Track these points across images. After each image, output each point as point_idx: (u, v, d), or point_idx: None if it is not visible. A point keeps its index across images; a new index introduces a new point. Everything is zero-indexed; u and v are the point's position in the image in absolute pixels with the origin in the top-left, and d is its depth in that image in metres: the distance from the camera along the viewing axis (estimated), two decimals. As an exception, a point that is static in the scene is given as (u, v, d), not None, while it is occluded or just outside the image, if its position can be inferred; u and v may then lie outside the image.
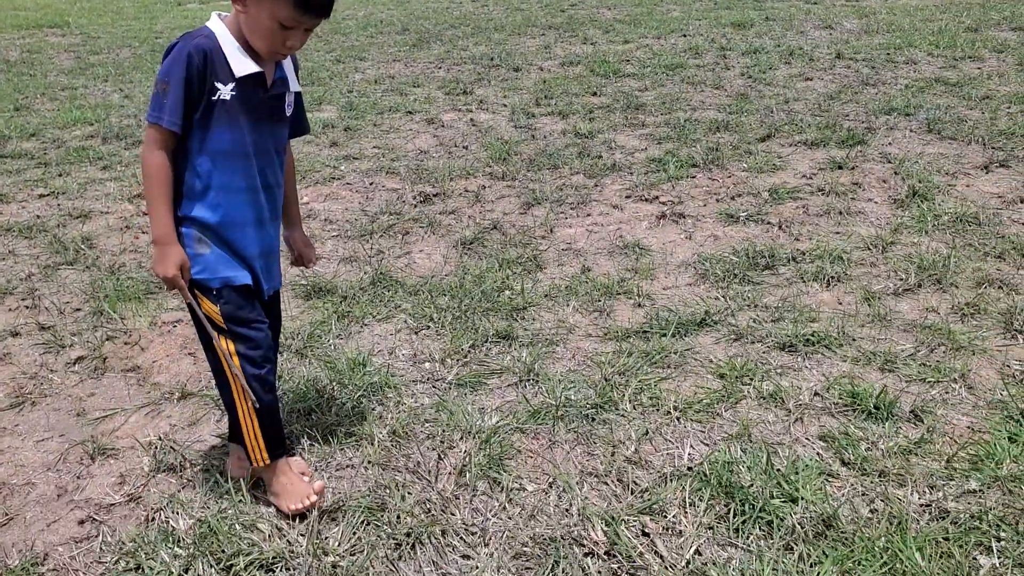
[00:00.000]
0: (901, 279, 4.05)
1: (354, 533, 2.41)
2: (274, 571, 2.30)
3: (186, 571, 2.29)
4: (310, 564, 2.28)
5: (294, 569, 2.28)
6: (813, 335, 3.48)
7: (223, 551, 2.33)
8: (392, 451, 2.79)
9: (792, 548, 2.27)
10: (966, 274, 4.08)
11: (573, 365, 3.35)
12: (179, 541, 2.39)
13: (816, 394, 3.06)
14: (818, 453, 2.71)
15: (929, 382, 3.14)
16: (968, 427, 2.84)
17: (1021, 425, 2.81)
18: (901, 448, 2.69)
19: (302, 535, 2.39)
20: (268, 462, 2.43)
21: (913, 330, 3.57)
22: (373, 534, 2.41)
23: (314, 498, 2.43)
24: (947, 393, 3.05)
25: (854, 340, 3.49)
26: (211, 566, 2.30)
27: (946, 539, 2.26)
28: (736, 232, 4.74)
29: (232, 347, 2.30)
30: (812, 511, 2.39)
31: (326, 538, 2.39)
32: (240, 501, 2.53)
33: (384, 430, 2.90)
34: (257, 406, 2.33)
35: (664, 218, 4.92)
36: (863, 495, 2.50)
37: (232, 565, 2.29)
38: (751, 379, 3.18)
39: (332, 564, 2.29)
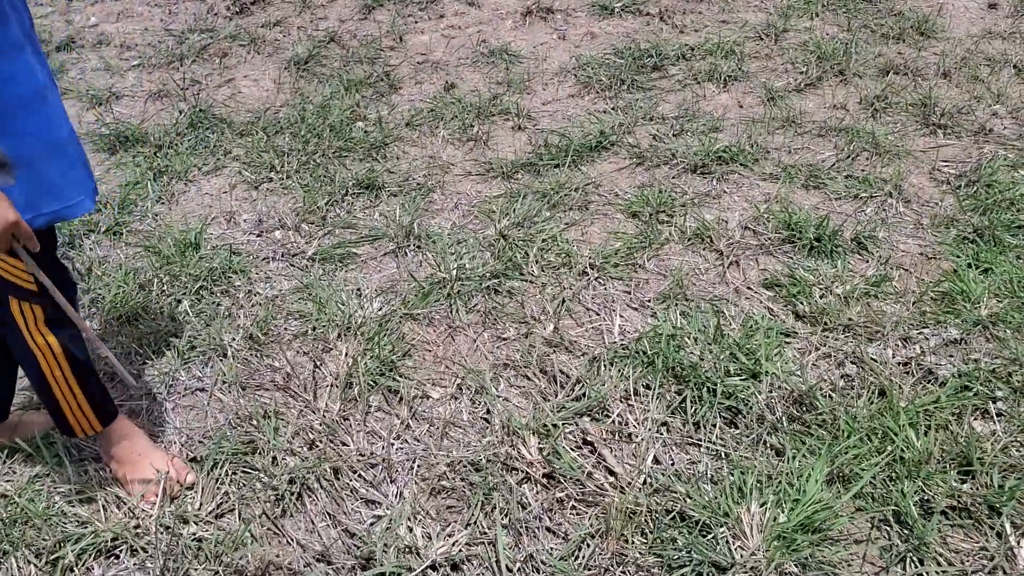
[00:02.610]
0: (801, 72, 3.64)
1: (219, 489, 1.84)
2: (118, 556, 1.73)
3: (-8, 575, 1.69)
4: (166, 542, 1.71)
5: (143, 551, 1.71)
6: (725, 151, 3.03)
7: (42, 539, 1.72)
8: (252, 363, 2.19)
9: (766, 441, 1.88)
10: (868, 62, 3.68)
11: (457, 218, 2.77)
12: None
13: (746, 228, 2.64)
14: (768, 308, 2.31)
15: (861, 198, 2.77)
16: (921, 254, 2.51)
17: (979, 246, 2.48)
18: (860, 292, 2.32)
19: (150, 503, 1.80)
20: (101, 428, 1.79)
21: (827, 134, 3.18)
22: (245, 487, 1.85)
23: (177, 481, 1.84)
24: (884, 211, 2.70)
25: (768, 152, 3.06)
26: (28, 562, 1.70)
27: (937, 407, 1.93)
28: (613, 27, 4.13)
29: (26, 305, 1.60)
30: (781, 389, 2.00)
31: (183, 502, 1.81)
32: (58, 464, 1.89)
33: (238, 335, 2.27)
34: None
35: (531, 15, 4.23)
36: (830, 357, 2.13)
37: (58, 557, 1.70)
38: (669, 216, 2.71)
39: (195, 536, 1.74)
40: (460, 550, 1.70)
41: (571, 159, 3.03)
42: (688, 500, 1.76)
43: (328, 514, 1.80)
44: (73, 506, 1.80)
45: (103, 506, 1.80)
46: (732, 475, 1.80)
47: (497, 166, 3.03)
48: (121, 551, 1.73)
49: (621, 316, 2.30)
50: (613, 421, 1.97)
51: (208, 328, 2.28)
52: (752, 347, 2.11)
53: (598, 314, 2.32)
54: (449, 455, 1.91)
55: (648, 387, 2.05)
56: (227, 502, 1.83)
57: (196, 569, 1.67)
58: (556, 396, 2.05)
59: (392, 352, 2.19)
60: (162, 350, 2.23)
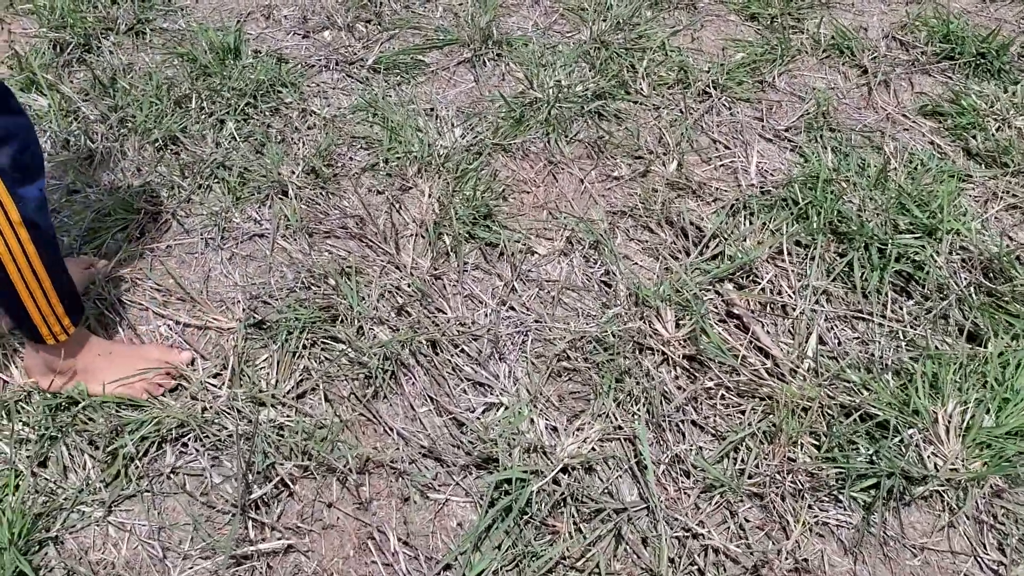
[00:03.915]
0: None
1: (296, 364, 1.54)
2: (186, 445, 1.45)
3: (43, 464, 1.42)
4: (236, 424, 1.44)
5: (215, 438, 1.44)
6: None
7: (95, 426, 1.44)
8: (318, 204, 1.82)
9: (951, 318, 1.56)
10: None
11: (539, 18, 2.30)
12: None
13: (892, 39, 2.18)
14: (932, 143, 1.91)
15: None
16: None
17: None
18: (1046, 130, 1.91)
19: (212, 382, 1.51)
20: (72, 331, 1.42)
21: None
22: (328, 363, 1.55)
23: (174, 371, 1.52)
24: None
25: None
26: (80, 451, 1.43)
27: None
28: None
29: None
30: (964, 251, 1.65)
31: (255, 379, 1.52)
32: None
33: (297, 167, 1.89)
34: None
35: None
36: (1017, 209, 1.76)
37: (116, 448, 1.43)
38: (796, 20, 2.25)
39: (274, 424, 1.46)
40: (593, 448, 1.42)
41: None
42: (867, 394, 1.46)
43: (430, 398, 1.51)
44: (124, 407, 1.50)
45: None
46: (918, 363, 1.49)
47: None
48: (189, 439, 1.44)
49: (758, 154, 1.91)
50: (764, 289, 1.63)
51: (261, 157, 1.90)
52: (923, 195, 1.74)
53: (728, 147, 1.93)
54: (567, 328, 1.59)
55: (802, 245, 1.70)
56: (307, 380, 1.53)
57: (281, 464, 1.40)
58: (689, 255, 1.70)
59: (484, 194, 1.82)
60: (210, 184, 1.86)
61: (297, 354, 1.56)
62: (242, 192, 1.85)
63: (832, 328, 1.58)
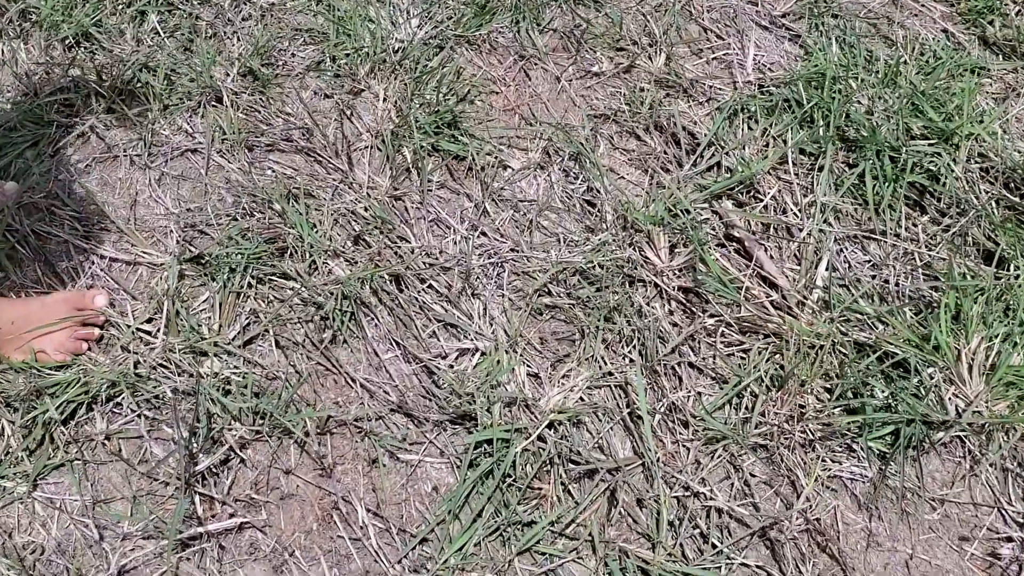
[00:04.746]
0: None
1: (242, 306, 1.36)
2: (120, 405, 1.28)
3: None
4: (175, 380, 1.26)
5: (154, 398, 1.26)
6: None
7: (14, 388, 1.25)
8: (257, 112, 1.59)
9: (970, 237, 1.41)
10: None
11: None
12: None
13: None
14: (944, 30, 1.72)
15: None
16: None
17: None
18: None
19: (146, 329, 1.32)
20: None
21: None
22: (277, 303, 1.36)
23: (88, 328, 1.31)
24: None
25: None
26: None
27: None
28: None
29: None
30: (983, 159, 1.49)
31: (195, 323, 1.33)
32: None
33: (232, 69, 1.64)
34: None
35: None
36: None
37: (37, 415, 1.24)
38: None
39: (220, 377, 1.28)
40: (581, 398, 1.27)
41: None
42: (882, 328, 1.31)
43: (395, 342, 1.34)
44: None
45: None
46: (938, 293, 1.34)
47: None
48: (122, 399, 1.26)
49: (753, 42, 1.69)
50: (766, 206, 1.46)
51: (190, 56, 1.64)
52: (938, 95, 1.55)
53: (721, 38, 1.71)
54: (547, 258, 1.41)
55: (807, 154, 1.52)
56: (255, 324, 1.34)
57: (229, 427, 1.23)
58: (682, 166, 1.51)
59: (448, 97, 1.59)
60: (133, 91, 1.61)
61: (242, 294, 1.36)
62: (170, 99, 1.60)
63: (842, 250, 1.42)
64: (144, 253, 1.41)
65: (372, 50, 1.64)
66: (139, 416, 1.25)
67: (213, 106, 1.59)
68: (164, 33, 1.68)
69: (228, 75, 1.62)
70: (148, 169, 1.52)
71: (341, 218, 1.45)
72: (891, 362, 1.27)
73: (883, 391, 1.25)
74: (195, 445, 1.19)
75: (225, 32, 1.69)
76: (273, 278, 1.38)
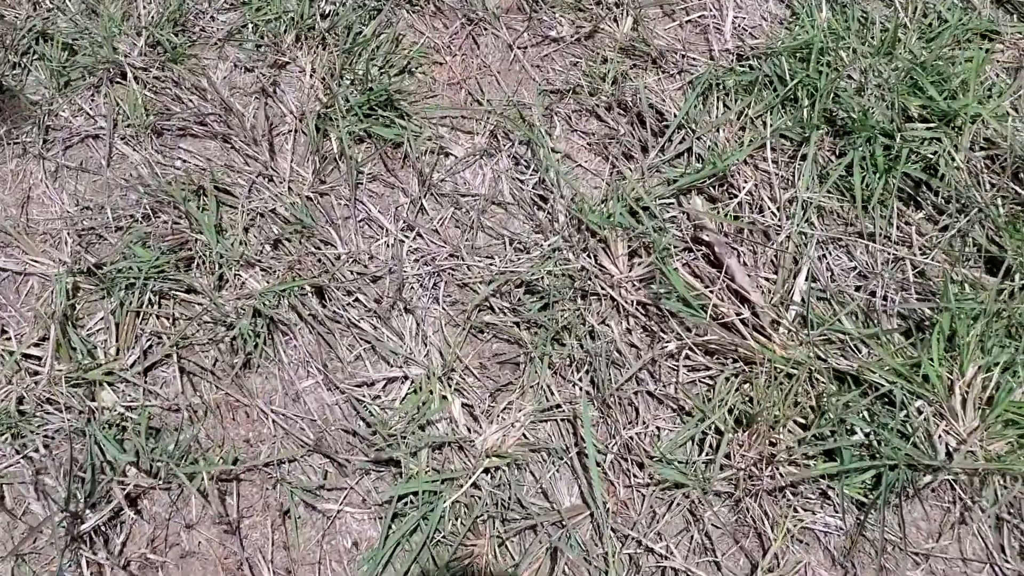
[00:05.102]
0: None
1: (142, 327, 1.20)
2: None
3: None
4: (62, 419, 1.11)
5: (29, 436, 1.12)
6: None
7: None
8: (166, 90, 1.40)
9: (971, 239, 1.24)
10: None
11: None
12: None
13: None
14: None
15: None
16: None
17: None
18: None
19: (34, 355, 1.17)
20: None
21: None
22: (182, 322, 1.20)
23: None
24: None
25: None
26: None
27: None
28: None
29: None
30: (989, 146, 1.31)
31: (88, 340, 1.17)
32: None
33: (139, 40, 1.44)
34: None
35: None
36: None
37: None
38: None
39: (111, 413, 1.13)
40: (524, 434, 1.12)
41: None
42: (865, 353, 1.15)
43: (318, 369, 1.18)
44: None
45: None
46: (931, 312, 1.18)
47: None
48: (5, 440, 1.11)
49: (734, 2, 1.48)
50: (740, 203, 1.28)
51: (89, 24, 1.44)
52: (940, 65, 1.36)
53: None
54: (490, 265, 1.24)
55: (788, 139, 1.33)
56: (157, 346, 1.19)
57: (124, 477, 1.09)
58: (647, 153, 1.33)
59: (383, 69, 1.40)
60: (25, 65, 1.41)
61: (142, 313, 1.20)
62: (68, 76, 1.40)
63: (825, 256, 1.25)
64: (35, 262, 1.25)
65: (298, 13, 1.43)
66: (22, 460, 1.10)
67: (118, 83, 1.40)
68: (61, -5, 1.47)
69: (135, 46, 1.42)
70: (43, 159, 1.34)
71: (259, 218, 1.27)
72: (875, 395, 1.11)
73: (865, 429, 1.10)
74: (79, 500, 1.04)
75: (132, -5, 1.48)
76: (178, 293, 1.21)
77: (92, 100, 1.39)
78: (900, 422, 1.10)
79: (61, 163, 1.34)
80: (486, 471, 1.09)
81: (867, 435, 1.10)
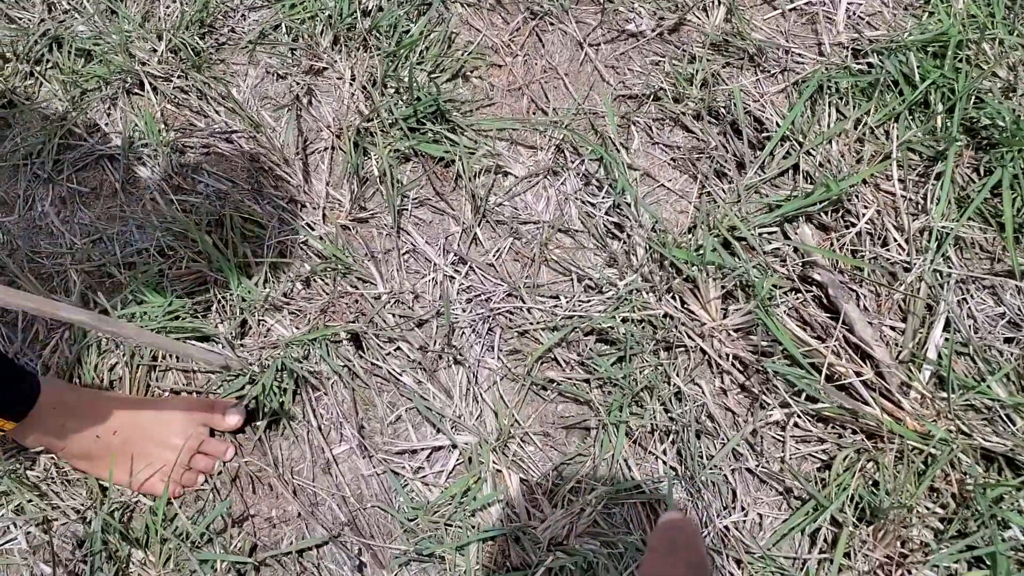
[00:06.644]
0: None
1: (148, 374, 1.04)
2: None
3: None
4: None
5: (31, 514, 0.97)
6: None
7: None
8: (188, 100, 1.23)
9: None
10: None
11: None
12: None
13: None
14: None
15: None
16: None
17: None
18: None
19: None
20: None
21: None
22: (195, 377, 1.04)
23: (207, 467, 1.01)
24: None
25: None
26: None
27: None
28: None
29: None
30: None
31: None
32: None
33: (160, 45, 1.28)
34: None
35: None
36: None
37: None
38: None
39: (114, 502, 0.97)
40: (596, 521, 0.92)
41: None
42: (1021, 426, 0.92)
43: (352, 433, 1.00)
44: None
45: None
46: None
47: None
48: (2, 514, 0.97)
49: (847, -13, 1.25)
50: (859, 233, 1.05)
51: (108, 27, 1.28)
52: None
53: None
54: (555, 309, 1.04)
55: (919, 154, 1.10)
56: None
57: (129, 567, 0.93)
58: (744, 170, 1.11)
59: (433, 75, 1.21)
60: (38, 75, 1.26)
61: (156, 368, 1.04)
62: (86, 85, 1.25)
63: (965, 300, 1.01)
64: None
65: (336, 12, 1.25)
66: (25, 534, 0.96)
67: (136, 94, 1.24)
68: (74, -8, 1.32)
69: (155, 51, 1.25)
70: (52, 185, 1.19)
71: (287, 251, 1.10)
72: (1035, 484, 0.89)
73: (1022, 525, 0.87)
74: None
75: (157, -9, 1.32)
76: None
77: (108, 115, 1.23)
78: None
79: (72, 188, 1.19)
80: (548, 571, 0.90)
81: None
